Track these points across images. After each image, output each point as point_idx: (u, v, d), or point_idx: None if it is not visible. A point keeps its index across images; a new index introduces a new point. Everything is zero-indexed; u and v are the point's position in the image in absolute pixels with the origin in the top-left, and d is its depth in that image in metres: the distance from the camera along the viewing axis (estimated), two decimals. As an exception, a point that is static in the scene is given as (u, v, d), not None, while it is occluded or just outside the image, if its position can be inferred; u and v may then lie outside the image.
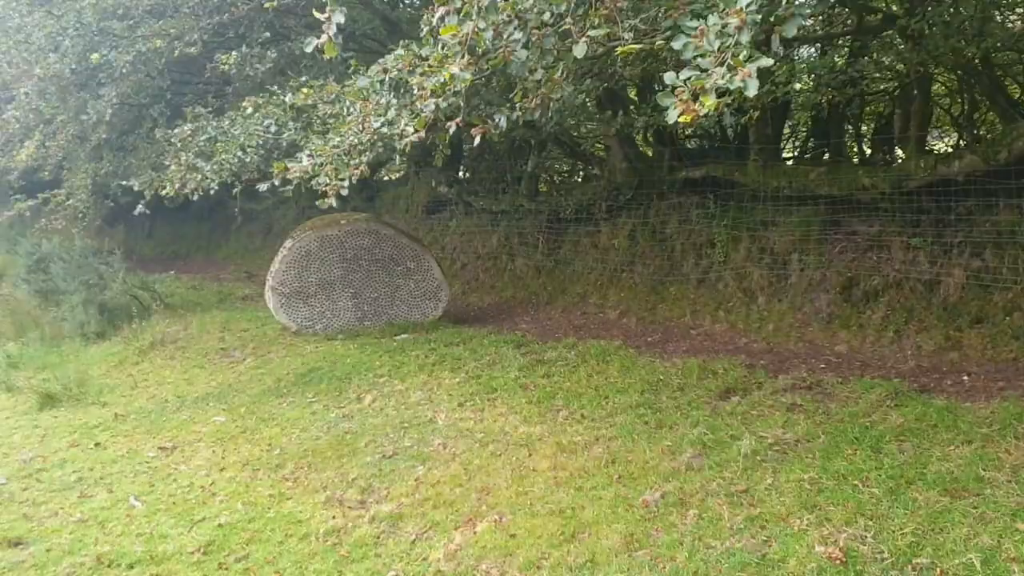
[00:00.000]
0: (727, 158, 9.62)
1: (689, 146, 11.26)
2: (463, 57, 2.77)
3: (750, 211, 9.12)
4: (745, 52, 2.22)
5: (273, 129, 5.46)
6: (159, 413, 7.34)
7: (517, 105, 3.41)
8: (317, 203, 3.98)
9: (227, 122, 6.74)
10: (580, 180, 12.57)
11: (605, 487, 4.64)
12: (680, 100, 2.30)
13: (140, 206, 7.49)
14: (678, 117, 2.31)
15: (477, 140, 3.27)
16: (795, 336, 7.72)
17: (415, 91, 3.22)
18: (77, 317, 11.09)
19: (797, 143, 12.10)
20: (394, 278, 9.36)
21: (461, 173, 13.07)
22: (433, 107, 3.18)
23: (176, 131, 6.77)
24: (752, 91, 2.19)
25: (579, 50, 2.61)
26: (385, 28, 9.34)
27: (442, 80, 2.96)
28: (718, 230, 9.17)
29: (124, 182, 7.61)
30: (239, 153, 6.23)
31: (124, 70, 7.15)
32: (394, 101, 3.89)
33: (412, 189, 13.59)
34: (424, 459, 5.48)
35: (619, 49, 2.66)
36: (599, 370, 6.92)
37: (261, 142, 6.24)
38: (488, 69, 2.95)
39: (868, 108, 10.89)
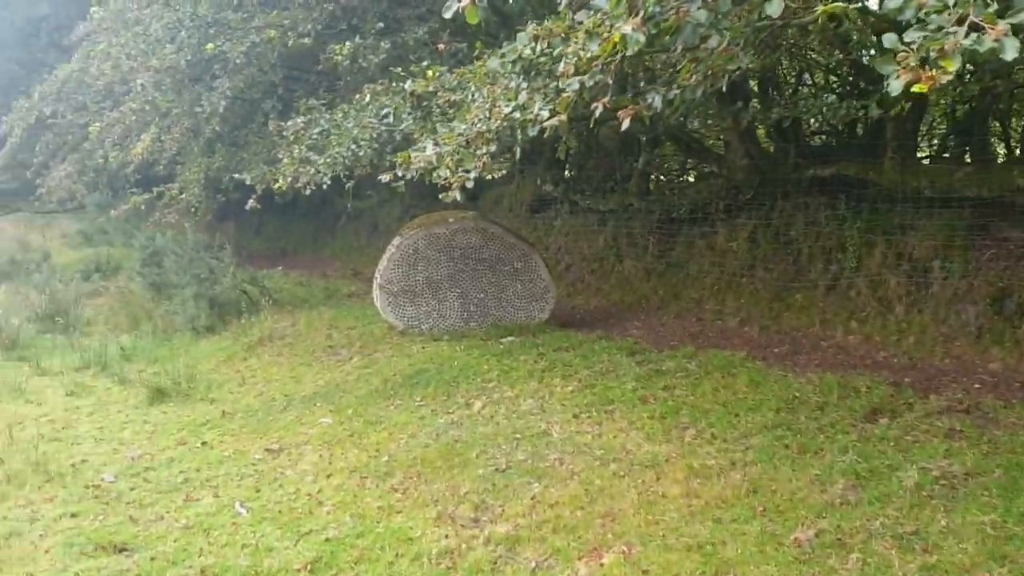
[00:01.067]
0: (857, 156, 8.94)
1: (814, 143, 10.56)
2: (635, 16, 2.37)
3: (885, 213, 8.40)
4: (995, 6, 1.75)
5: (390, 119, 5.17)
6: (266, 412, 7.20)
7: (676, 82, 2.99)
8: (440, 197, 3.65)
9: (340, 114, 6.52)
10: (693, 178, 12.01)
11: (748, 520, 4.16)
12: (905, 67, 1.84)
13: (251, 201, 7.37)
14: (906, 87, 1.85)
15: (626, 124, 2.86)
16: (940, 351, 7.02)
17: (560, 67, 2.84)
18: (188, 311, 11.19)
19: (934, 141, 11.22)
20: (501, 278, 9.03)
21: (567, 171, 12.66)
22: (577, 86, 2.79)
23: (289, 124, 6.59)
24: (1011, 53, 1.72)
25: (773, 8, 2.18)
26: (496, 19, 9.02)
27: (594, 52, 2.56)
28: (850, 233, 8.48)
29: (236, 175, 7.49)
30: (352, 146, 5.98)
31: (238, 61, 7.03)
32: (524, 84, 3.52)
33: (517, 187, 13.25)
34: (540, 475, 5.09)
35: (820, 8, 2.22)
36: (725, 384, 6.41)
37: (375, 135, 5.98)
38: (655, 34, 2.53)
39: (1017, 104, 9.98)
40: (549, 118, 3.10)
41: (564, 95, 2.86)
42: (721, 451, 5.07)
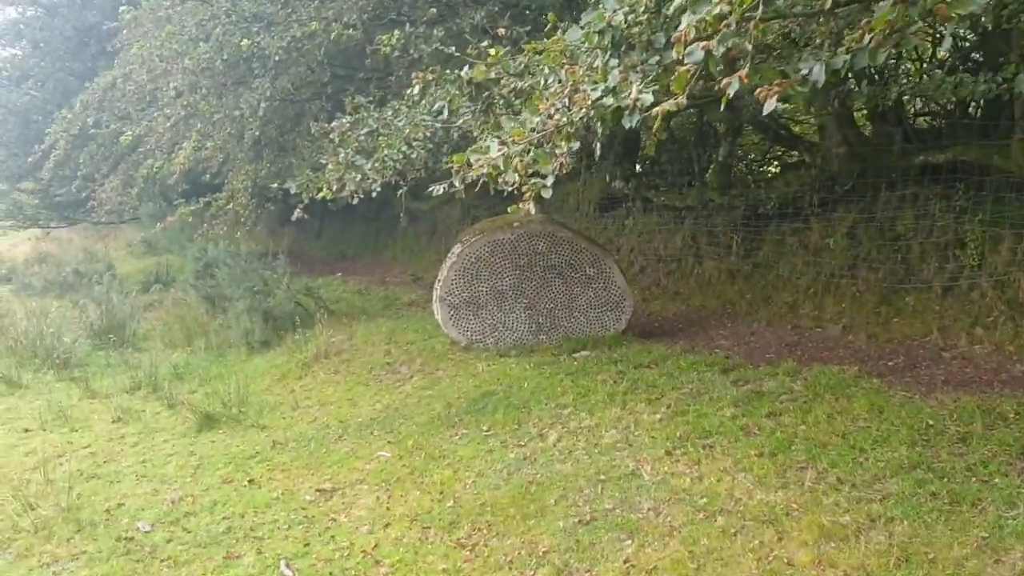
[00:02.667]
0: (974, 138, 7.87)
1: (918, 126, 9.47)
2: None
3: (1013, 203, 7.36)
4: None
5: (445, 114, 4.42)
6: (319, 442, 6.55)
7: (845, 44, 2.16)
8: (510, 210, 2.89)
9: (390, 112, 5.80)
10: (776, 169, 11.01)
11: (906, 604, 3.31)
12: None
13: (297, 211, 6.72)
14: None
15: (771, 106, 2.06)
16: (1092, 363, 6.01)
17: (681, 27, 2.04)
18: (242, 325, 10.68)
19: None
20: (571, 286, 8.23)
21: (638, 166, 11.77)
22: (701, 55, 2.00)
23: (334, 125, 5.90)
24: None
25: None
26: (564, 2, 8.20)
27: (723, 8, 1.77)
28: (970, 226, 7.44)
29: (282, 185, 6.82)
30: (403, 148, 5.26)
31: (277, 57, 6.37)
32: (615, 61, 2.72)
33: (584, 185, 12.42)
34: (632, 530, 4.29)
35: None
36: (840, 408, 5.51)
37: (429, 134, 5.25)
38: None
39: None
40: (654, 104, 2.31)
41: (682, 69, 2.07)
42: (852, 501, 4.20)
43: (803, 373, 6.37)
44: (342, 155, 5.61)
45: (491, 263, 8.15)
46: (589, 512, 4.56)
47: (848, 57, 2.09)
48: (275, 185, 8.93)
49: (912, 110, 9.07)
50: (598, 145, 3.50)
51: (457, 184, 2.90)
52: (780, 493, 4.39)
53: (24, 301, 14.39)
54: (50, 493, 5.79)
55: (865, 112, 8.77)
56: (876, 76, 8.30)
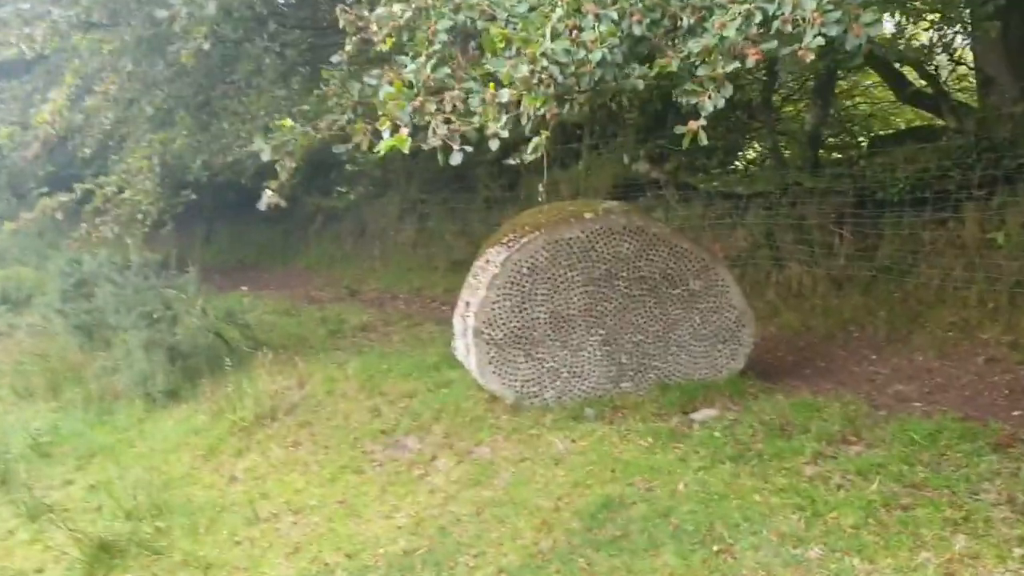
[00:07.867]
0: None
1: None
2: None
3: None
4: None
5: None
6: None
7: None
8: None
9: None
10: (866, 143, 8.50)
11: None
12: None
13: (269, 192, 3.73)
14: None
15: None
16: None
17: None
18: (137, 367, 7.41)
19: None
20: (668, 308, 5.47)
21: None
22: None
23: (378, 12, 2.92)
24: None
25: None
26: None
27: None
28: None
29: (241, 146, 3.71)
30: (560, 57, 2.37)
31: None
32: None
33: (587, 169, 9.68)
34: None
35: None
36: None
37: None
38: None
39: None
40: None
41: None
42: None
43: None
44: (410, 68, 2.65)
45: (552, 276, 5.29)
46: None
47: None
48: (198, 162, 5.75)
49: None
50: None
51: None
52: None
53: None
54: None
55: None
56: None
